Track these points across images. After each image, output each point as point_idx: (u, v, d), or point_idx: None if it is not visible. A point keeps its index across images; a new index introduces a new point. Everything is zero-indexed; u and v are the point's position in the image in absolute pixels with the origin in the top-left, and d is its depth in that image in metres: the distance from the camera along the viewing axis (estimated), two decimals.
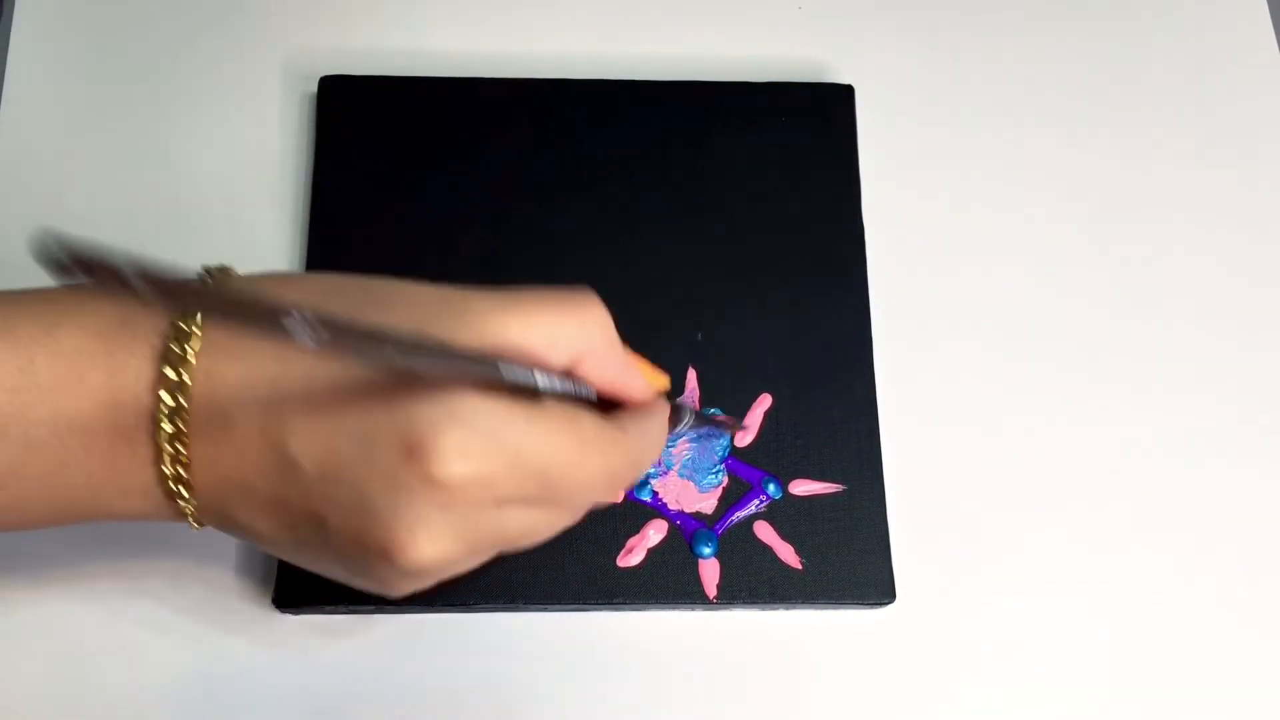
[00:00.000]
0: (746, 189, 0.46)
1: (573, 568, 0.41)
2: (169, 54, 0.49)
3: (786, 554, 0.41)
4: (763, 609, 0.42)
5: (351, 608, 0.40)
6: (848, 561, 0.41)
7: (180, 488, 0.29)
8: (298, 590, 0.40)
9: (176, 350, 0.28)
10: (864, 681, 0.41)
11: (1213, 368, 0.46)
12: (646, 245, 0.45)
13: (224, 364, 0.28)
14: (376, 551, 0.28)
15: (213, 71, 0.48)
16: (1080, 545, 0.43)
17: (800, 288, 0.45)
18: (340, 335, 0.24)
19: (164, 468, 0.28)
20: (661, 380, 0.34)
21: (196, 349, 0.28)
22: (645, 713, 0.40)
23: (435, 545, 0.27)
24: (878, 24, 0.51)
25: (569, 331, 0.29)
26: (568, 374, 0.29)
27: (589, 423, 0.29)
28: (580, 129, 0.47)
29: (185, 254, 0.45)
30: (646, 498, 0.42)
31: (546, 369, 0.28)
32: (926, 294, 0.47)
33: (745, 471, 0.42)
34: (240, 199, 0.46)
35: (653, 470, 0.42)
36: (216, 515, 0.30)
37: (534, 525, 0.30)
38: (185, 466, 0.28)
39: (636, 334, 0.43)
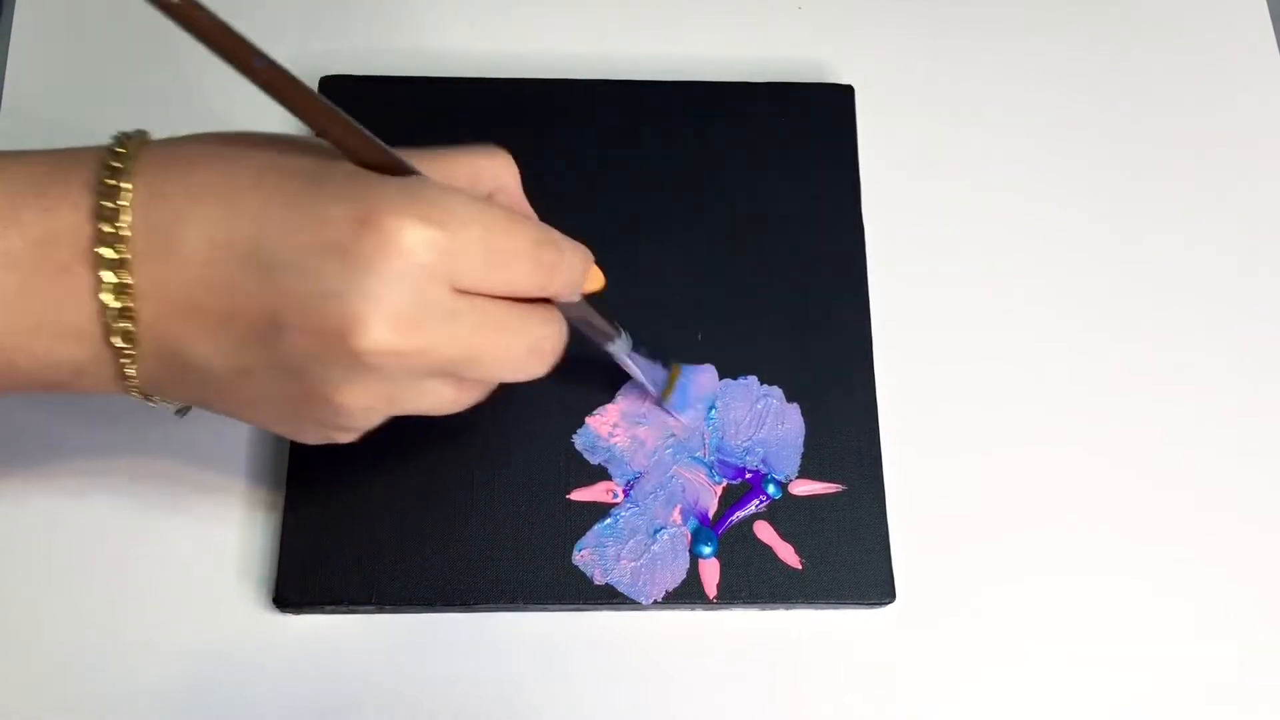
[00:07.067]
0: (746, 189, 0.46)
1: (573, 568, 0.41)
2: (169, 54, 0.49)
3: (786, 554, 0.41)
4: (763, 609, 0.42)
5: (352, 607, 0.40)
6: (848, 561, 0.41)
7: (124, 323, 0.29)
8: (298, 590, 0.40)
9: (111, 182, 0.28)
10: (864, 681, 0.41)
11: (1214, 368, 0.46)
12: (646, 245, 0.45)
13: (166, 184, 0.29)
14: (334, 336, 0.27)
15: (213, 71, 0.48)
16: (1081, 545, 0.43)
17: (800, 288, 0.45)
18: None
19: (105, 298, 0.28)
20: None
21: (132, 179, 0.29)
22: (645, 713, 0.40)
23: (392, 322, 0.27)
24: (878, 24, 0.51)
25: (490, 166, 0.32)
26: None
27: (505, 208, 0.31)
28: (580, 129, 0.47)
29: None
30: None
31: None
32: (926, 294, 0.47)
33: (744, 471, 0.42)
34: None
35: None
36: (160, 354, 0.30)
37: (489, 320, 0.30)
38: (130, 295, 0.28)
39: (637, 334, 0.43)
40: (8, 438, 0.42)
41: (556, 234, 0.31)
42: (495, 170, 0.32)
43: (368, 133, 0.29)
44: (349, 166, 0.29)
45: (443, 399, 0.31)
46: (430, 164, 0.30)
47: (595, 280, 0.34)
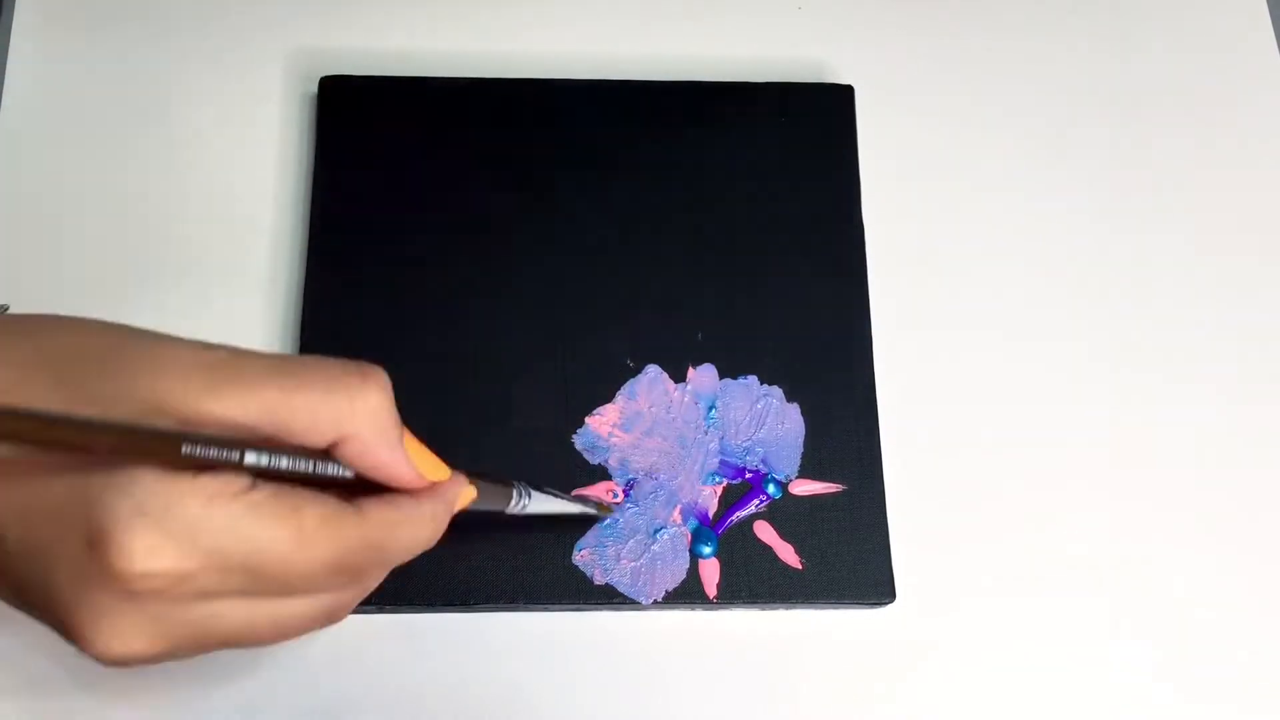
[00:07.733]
0: (746, 189, 0.46)
1: (573, 567, 0.41)
2: (169, 54, 0.49)
3: (786, 554, 0.41)
4: (763, 609, 0.42)
5: None
6: (848, 561, 0.41)
7: None
8: None
9: None
10: (864, 681, 0.41)
11: (1214, 367, 0.46)
12: (647, 245, 0.45)
13: None
14: (69, 638, 0.26)
15: (213, 72, 0.48)
16: (1081, 545, 0.43)
17: (800, 287, 0.45)
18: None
19: None
20: (439, 471, 0.30)
21: None
22: (645, 713, 0.40)
23: (123, 642, 0.26)
24: (878, 24, 0.51)
25: (335, 411, 0.26)
26: (325, 454, 0.27)
27: (312, 510, 0.26)
28: (580, 129, 0.47)
29: (186, 255, 0.45)
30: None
31: (301, 446, 0.26)
32: (926, 293, 0.47)
33: (744, 471, 0.42)
34: (240, 199, 0.46)
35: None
36: None
37: (257, 619, 0.27)
38: None
39: (636, 335, 0.44)
40: None
41: (375, 529, 0.27)
42: (353, 410, 0.27)
43: (119, 421, 0.25)
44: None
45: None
46: (264, 389, 0.26)
47: (464, 500, 0.31)
